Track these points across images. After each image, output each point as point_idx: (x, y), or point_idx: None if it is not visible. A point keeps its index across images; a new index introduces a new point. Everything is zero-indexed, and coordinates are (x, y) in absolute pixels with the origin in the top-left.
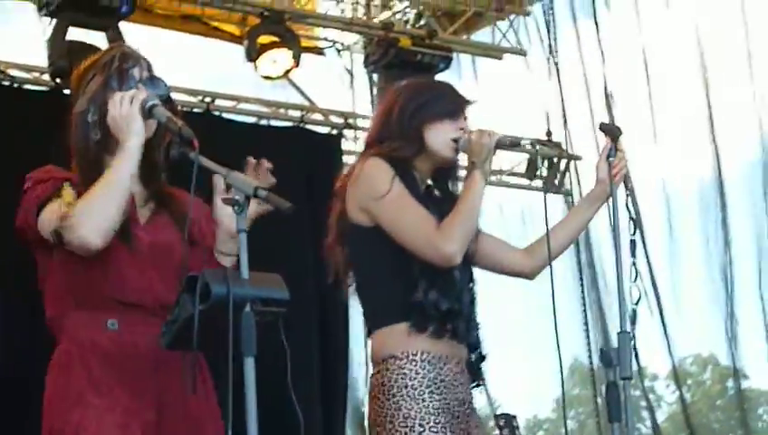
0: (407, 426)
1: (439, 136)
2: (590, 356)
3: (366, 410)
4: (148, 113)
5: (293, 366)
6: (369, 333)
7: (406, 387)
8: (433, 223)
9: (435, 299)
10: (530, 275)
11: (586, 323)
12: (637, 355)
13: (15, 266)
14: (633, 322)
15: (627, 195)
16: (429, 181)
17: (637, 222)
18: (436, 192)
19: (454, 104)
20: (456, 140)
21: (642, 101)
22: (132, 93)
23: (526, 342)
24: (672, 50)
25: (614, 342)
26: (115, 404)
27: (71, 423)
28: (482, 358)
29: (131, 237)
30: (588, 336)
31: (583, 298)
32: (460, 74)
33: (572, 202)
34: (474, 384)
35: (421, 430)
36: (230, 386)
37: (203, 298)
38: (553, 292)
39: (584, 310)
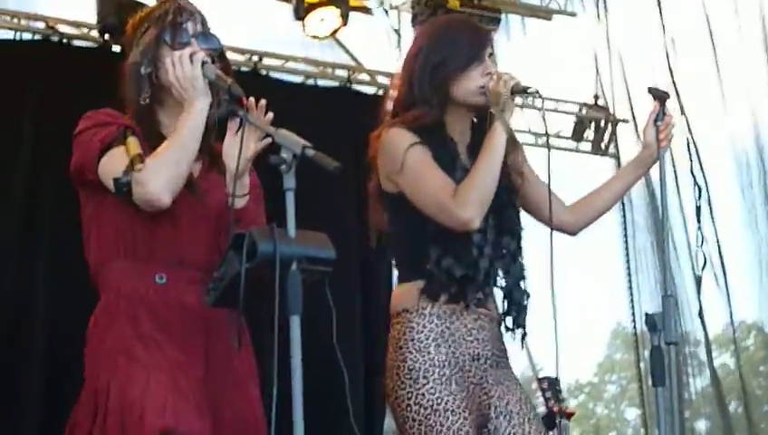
0: (410, 377)
1: (464, 87)
2: (633, 320)
3: None
4: None
5: (336, 326)
6: None
7: (412, 340)
8: (449, 189)
9: (448, 265)
10: (571, 232)
11: (630, 288)
12: (703, 322)
13: (66, 217)
14: (699, 288)
15: (690, 160)
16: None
17: (701, 189)
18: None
19: (473, 47)
20: (483, 87)
21: (708, 64)
22: (190, 52)
23: (569, 305)
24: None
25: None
26: (162, 360)
27: (117, 376)
28: (520, 309)
29: (196, 188)
30: (632, 301)
31: (627, 262)
32: (509, 35)
33: (619, 166)
34: (521, 335)
35: (425, 381)
36: (275, 344)
37: (249, 256)
38: (552, 266)
39: (628, 274)
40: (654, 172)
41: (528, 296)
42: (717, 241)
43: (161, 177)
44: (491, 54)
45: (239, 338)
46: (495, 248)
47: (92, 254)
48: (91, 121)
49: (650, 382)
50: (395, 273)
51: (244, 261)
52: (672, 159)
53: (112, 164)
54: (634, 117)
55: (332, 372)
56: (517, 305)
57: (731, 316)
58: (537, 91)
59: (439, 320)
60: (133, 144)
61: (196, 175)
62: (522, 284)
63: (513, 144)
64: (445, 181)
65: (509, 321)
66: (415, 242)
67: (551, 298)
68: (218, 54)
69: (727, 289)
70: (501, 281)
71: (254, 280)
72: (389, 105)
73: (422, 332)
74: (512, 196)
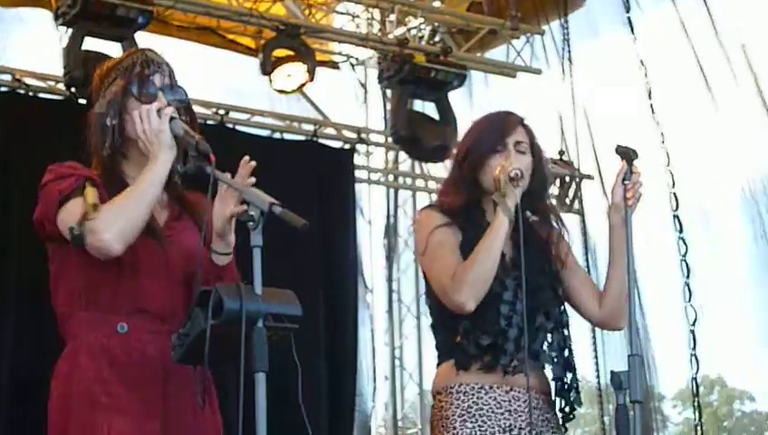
0: None
1: (488, 176)
2: (597, 376)
3: (372, 424)
4: None
5: (302, 380)
6: None
7: (441, 419)
8: (450, 272)
9: (475, 337)
10: (597, 324)
11: (594, 343)
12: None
13: (31, 267)
14: (694, 344)
15: (674, 215)
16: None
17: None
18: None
19: (495, 137)
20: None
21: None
22: (160, 107)
23: None
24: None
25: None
26: (124, 407)
27: (81, 423)
28: (564, 388)
29: (160, 236)
30: (596, 356)
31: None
32: (472, 92)
33: (584, 221)
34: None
35: None
36: (241, 401)
37: (215, 313)
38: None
39: (593, 329)
40: None
41: (571, 372)
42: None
43: (114, 226)
44: (519, 143)
45: (203, 395)
46: (531, 320)
47: (59, 305)
48: (53, 174)
49: None
50: (361, 326)
51: (210, 318)
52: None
53: (70, 214)
54: (600, 173)
55: (297, 429)
56: (565, 385)
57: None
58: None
59: (465, 396)
60: (91, 194)
61: (162, 223)
62: (571, 362)
63: (559, 236)
64: (451, 263)
65: (557, 398)
66: (448, 319)
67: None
68: (185, 107)
69: (694, 343)
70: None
71: (221, 337)
72: None
73: (449, 409)
74: (552, 280)
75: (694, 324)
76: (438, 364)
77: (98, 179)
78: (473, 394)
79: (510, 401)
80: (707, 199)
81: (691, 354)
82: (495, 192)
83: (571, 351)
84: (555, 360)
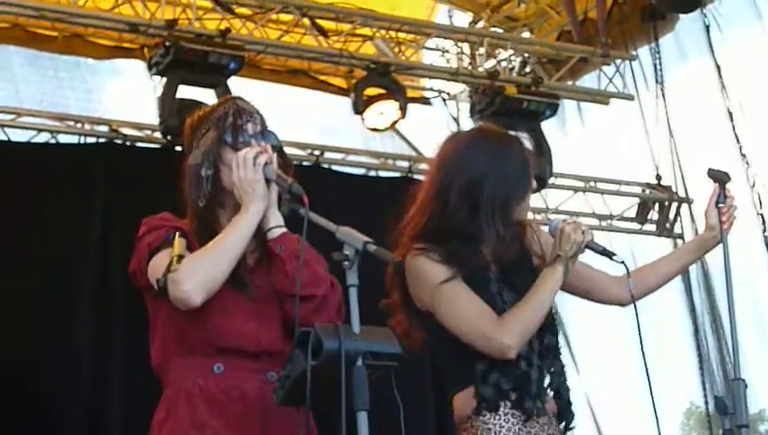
0: None
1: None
2: (705, 401)
3: None
4: None
5: (407, 418)
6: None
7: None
8: (488, 315)
9: (495, 380)
10: (622, 304)
11: (701, 368)
12: None
13: (134, 319)
14: None
15: (765, 237)
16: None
17: None
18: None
19: (526, 174)
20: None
21: None
22: (254, 154)
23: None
24: None
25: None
26: None
27: None
28: (567, 406)
29: (247, 285)
30: (703, 381)
31: (697, 342)
32: (566, 121)
33: None
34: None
35: None
36: None
37: (315, 353)
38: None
39: (698, 353)
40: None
41: (569, 391)
42: None
43: (194, 277)
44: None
45: None
46: (541, 354)
47: (155, 353)
48: (146, 227)
49: None
50: None
51: (310, 359)
52: None
53: (157, 266)
54: (688, 197)
55: None
56: (565, 403)
57: None
58: (618, 258)
59: (515, 419)
60: (178, 245)
61: (251, 264)
62: (564, 379)
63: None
64: (483, 306)
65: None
66: (459, 353)
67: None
68: (278, 151)
69: None
70: (552, 381)
71: (321, 377)
72: None
73: (500, 432)
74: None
75: None
76: (455, 387)
77: (189, 230)
78: (509, 427)
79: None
80: None
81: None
82: (562, 249)
83: (565, 374)
84: (560, 385)
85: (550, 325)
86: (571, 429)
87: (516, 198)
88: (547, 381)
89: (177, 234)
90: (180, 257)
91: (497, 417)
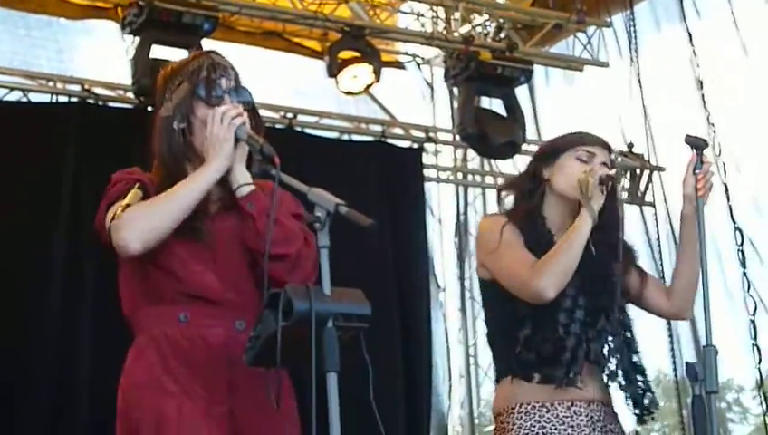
0: None
1: (560, 179)
2: (674, 368)
3: (448, 423)
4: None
5: (377, 380)
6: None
7: None
8: (527, 262)
9: (536, 345)
10: (682, 317)
11: (671, 335)
12: (759, 368)
13: (104, 276)
14: (755, 334)
15: (729, 206)
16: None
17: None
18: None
19: (580, 142)
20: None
21: (741, 108)
22: (233, 114)
23: None
24: None
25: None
26: (191, 391)
27: (150, 410)
28: (637, 400)
29: (201, 232)
30: (672, 348)
31: None
32: (538, 87)
33: (656, 214)
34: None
35: None
36: (314, 402)
37: (285, 314)
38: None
39: (668, 321)
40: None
41: (635, 372)
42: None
43: (134, 226)
44: (604, 163)
45: (278, 397)
46: (584, 327)
47: (125, 304)
48: (111, 182)
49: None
50: (435, 323)
51: (280, 319)
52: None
53: (109, 217)
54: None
55: (372, 429)
56: (630, 384)
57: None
58: (620, 173)
59: (527, 416)
60: (131, 196)
61: (213, 211)
62: (639, 365)
63: (627, 248)
64: (525, 255)
65: (630, 403)
66: (507, 329)
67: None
68: (251, 109)
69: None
70: (611, 362)
71: (291, 338)
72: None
73: (511, 430)
74: (614, 285)
75: (754, 314)
76: (497, 381)
77: (151, 183)
78: (534, 413)
79: (572, 416)
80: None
81: (753, 345)
82: (580, 194)
83: (637, 353)
84: (618, 365)
85: (602, 307)
86: (644, 420)
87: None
88: (606, 350)
89: (136, 186)
90: (126, 206)
91: (511, 415)
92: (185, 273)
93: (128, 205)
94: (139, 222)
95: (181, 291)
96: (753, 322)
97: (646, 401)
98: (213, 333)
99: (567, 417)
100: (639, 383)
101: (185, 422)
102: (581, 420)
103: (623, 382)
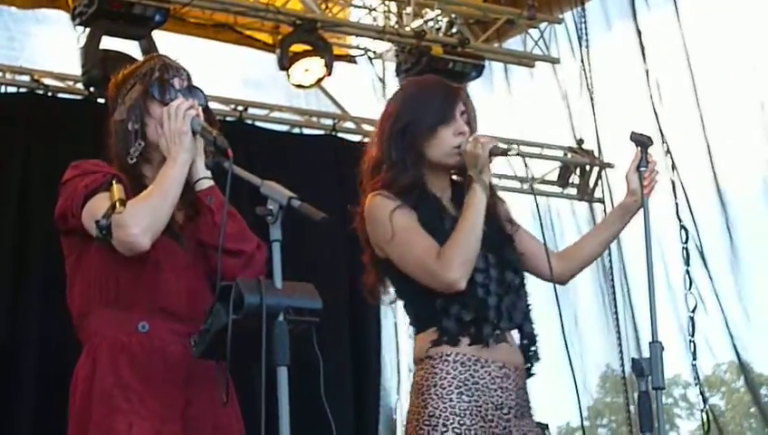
0: (430, 425)
1: (438, 148)
2: (622, 364)
3: (397, 417)
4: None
5: (326, 374)
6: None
7: (435, 386)
8: (432, 252)
9: (456, 312)
10: (560, 281)
11: (618, 331)
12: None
13: (51, 265)
14: (692, 331)
15: (676, 203)
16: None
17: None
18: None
19: (442, 106)
20: (458, 147)
21: (689, 103)
22: (185, 107)
23: (556, 350)
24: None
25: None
26: (144, 411)
27: (100, 425)
28: (532, 340)
29: (181, 238)
30: (620, 344)
31: (614, 305)
32: (492, 83)
33: (605, 210)
34: (528, 370)
35: (444, 429)
36: (263, 396)
37: (236, 308)
38: (558, 299)
39: (616, 317)
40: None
41: (533, 333)
42: (711, 282)
43: (141, 220)
44: (463, 113)
45: (227, 391)
46: (500, 284)
47: (75, 303)
48: (78, 170)
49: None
50: (384, 318)
51: (231, 312)
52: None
53: (95, 208)
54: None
55: (321, 423)
56: (529, 337)
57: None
58: (518, 153)
59: (463, 367)
60: (118, 190)
61: (178, 225)
62: (530, 316)
63: (499, 200)
64: (429, 244)
65: (528, 354)
66: (420, 297)
67: (564, 345)
68: (204, 108)
69: (729, 328)
70: (513, 317)
71: (242, 332)
72: (366, 165)
73: (445, 378)
74: (507, 237)
75: (694, 312)
76: (421, 330)
77: (123, 179)
78: (470, 365)
79: (502, 377)
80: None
81: (690, 341)
82: (471, 168)
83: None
84: (524, 321)
85: (509, 261)
86: (532, 374)
87: (420, 131)
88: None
89: (115, 180)
90: (122, 201)
91: (446, 362)
92: (154, 281)
93: (122, 199)
94: (146, 217)
95: (146, 299)
96: (692, 319)
97: (534, 350)
98: (172, 350)
99: (498, 377)
100: (536, 337)
101: None
102: (509, 384)
103: (522, 335)
